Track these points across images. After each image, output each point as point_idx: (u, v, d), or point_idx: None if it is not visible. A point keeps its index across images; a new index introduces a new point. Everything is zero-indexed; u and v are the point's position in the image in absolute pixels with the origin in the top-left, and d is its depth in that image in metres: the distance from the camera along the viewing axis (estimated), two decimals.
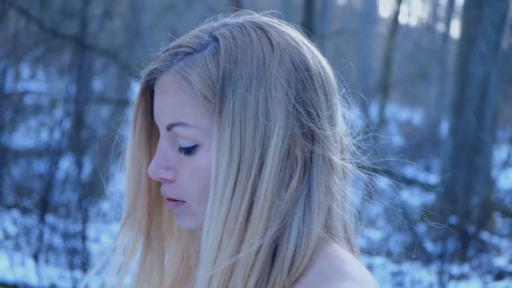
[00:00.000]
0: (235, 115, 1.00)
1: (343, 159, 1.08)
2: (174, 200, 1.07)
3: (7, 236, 6.91)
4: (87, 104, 8.38)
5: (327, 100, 1.05)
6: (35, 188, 8.55)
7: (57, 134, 9.30)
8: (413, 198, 8.86)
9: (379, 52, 16.04)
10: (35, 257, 6.70)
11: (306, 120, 1.02)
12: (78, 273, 6.13)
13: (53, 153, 8.47)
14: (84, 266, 5.97)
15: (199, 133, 1.02)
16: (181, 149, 1.04)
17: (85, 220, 6.70)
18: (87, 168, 9.62)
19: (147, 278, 1.14)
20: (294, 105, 1.02)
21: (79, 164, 7.79)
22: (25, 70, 9.36)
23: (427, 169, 12.77)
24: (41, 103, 8.90)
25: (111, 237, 7.37)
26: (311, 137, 1.03)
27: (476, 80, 7.70)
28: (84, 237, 6.19)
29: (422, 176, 11.55)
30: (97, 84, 11.72)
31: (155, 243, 1.14)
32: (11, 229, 7.14)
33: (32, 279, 6.11)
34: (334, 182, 1.05)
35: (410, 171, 11.48)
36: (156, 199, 1.14)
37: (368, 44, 18.10)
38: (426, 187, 8.15)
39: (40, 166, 9.56)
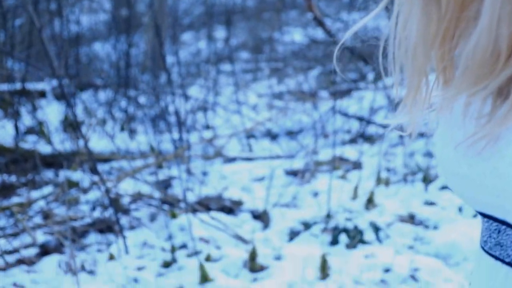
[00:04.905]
0: None
1: None
2: None
3: (89, 113, 7.22)
4: None
5: None
6: (102, 68, 8.87)
7: (105, 16, 9.52)
8: None
9: None
10: (126, 128, 7.08)
11: None
12: (174, 135, 6.46)
13: (109, 35, 8.73)
14: (180, 128, 6.31)
15: None
16: None
17: (168, 85, 7.02)
18: (142, 46, 9.94)
19: (427, 28, 1.01)
20: None
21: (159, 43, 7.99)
22: None
23: None
24: None
25: (191, 98, 7.73)
26: None
27: None
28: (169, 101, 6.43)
29: None
30: None
31: None
32: (94, 106, 7.49)
33: (130, 146, 6.45)
34: None
35: None
36: None
37: None
38: None
39: (98, 48, 9.88)
